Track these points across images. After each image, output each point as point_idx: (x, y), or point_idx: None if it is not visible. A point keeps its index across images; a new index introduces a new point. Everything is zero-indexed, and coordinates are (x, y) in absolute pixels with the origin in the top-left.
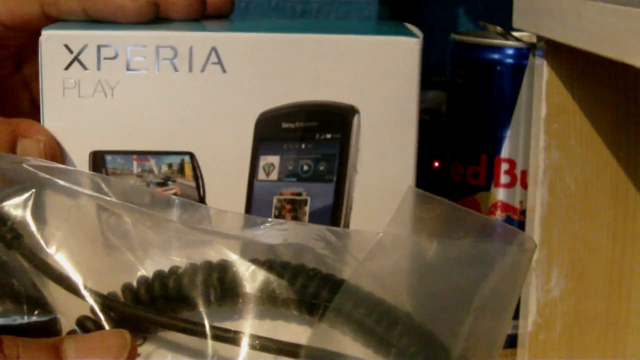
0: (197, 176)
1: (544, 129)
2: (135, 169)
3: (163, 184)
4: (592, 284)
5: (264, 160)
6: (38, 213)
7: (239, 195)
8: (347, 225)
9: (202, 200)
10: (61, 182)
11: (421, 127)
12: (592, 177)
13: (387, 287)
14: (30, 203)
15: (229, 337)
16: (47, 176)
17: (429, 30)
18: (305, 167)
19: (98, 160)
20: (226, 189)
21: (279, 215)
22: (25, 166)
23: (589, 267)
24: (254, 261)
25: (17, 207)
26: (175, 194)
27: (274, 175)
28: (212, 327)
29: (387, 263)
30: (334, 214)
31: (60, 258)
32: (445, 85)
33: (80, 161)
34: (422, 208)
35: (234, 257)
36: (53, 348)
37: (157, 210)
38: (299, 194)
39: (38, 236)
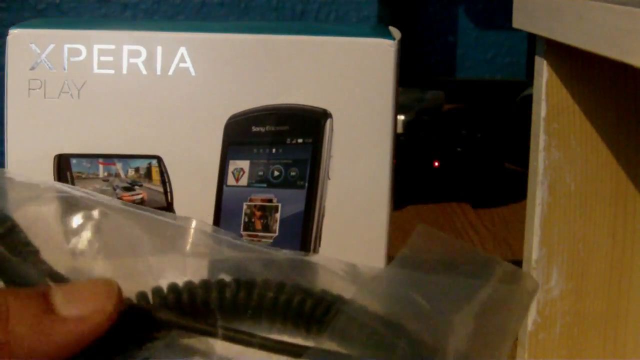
0: (164, 181)
1: (544, 128)
2: (102, 172)
3: (130, 188)
4: (592, 284)
5: (234, 165)
6: (54, 223)
7: (207, 201)
8: (318, 233)
9: (169, 205)
10: (78, 193)
11: (421, 127)
12: (592, 177)
13: (383, 315)
14: (47, 213)
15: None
16: (64, 188)
17: (429, 30)
18: (276, 173)
19: (63, 164)
20: (194, 194)
21: (249, 222)
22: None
23: (589, 267)
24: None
25: (35, 218)
26: (142, 199)
27: (243, 181)
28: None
29: (384, 293)
30: (305, 221)
31: (82, 266)
32: (445, 85)
33: (45, 164)
34: (429, 244)
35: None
36: (41, 296)
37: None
38: (270, 200)
39: (54, 245)
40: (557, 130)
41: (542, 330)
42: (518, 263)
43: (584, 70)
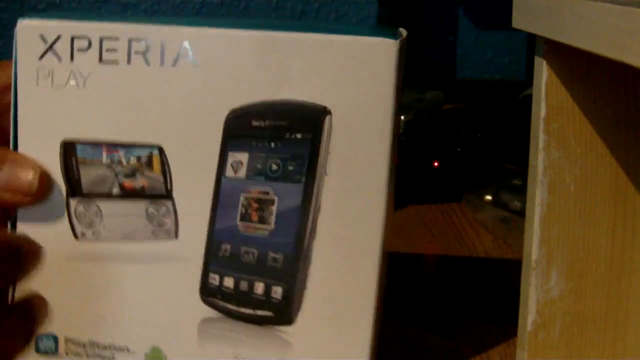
0: (165, 170)
1: (544, 128)
2: (105, 159)
3: (131, 175)
4: (591, 284)
5: (233, 157)
6: None
7: (206, 191)
8: (313, 227)
9: (168, 194)
10: None
11: (421, 127)
12: (592, 177)
13: None
14: None
15: None
16: None
17: (429, 30)
18: (274, 167)
19: (69, 150)
20: (193, 184)
21: (246, 213)
22: None
23: (588, 267)
24: None
25: None
26: (142, 187)
27: (241, 173)
28: None
29: None
30: (301, 215)
31: None
32: (445, 85)
33: (52, 149)
34: None
35: None
36: None
37: None
38: (266, 193)
39: None
40: (557, 130)
41: (542, 330)
42: (518, 263)
43: (584, 70)
